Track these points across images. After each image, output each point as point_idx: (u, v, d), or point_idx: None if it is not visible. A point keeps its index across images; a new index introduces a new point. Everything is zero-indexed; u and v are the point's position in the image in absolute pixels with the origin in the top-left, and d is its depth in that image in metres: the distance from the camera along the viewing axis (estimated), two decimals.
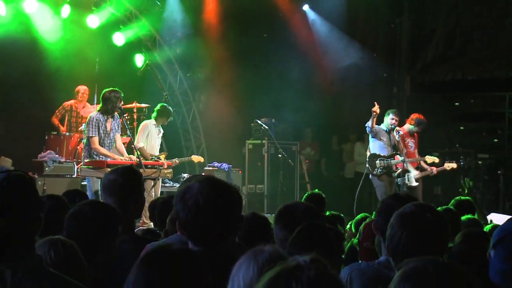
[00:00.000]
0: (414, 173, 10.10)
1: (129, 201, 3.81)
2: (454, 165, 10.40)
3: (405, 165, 9.91)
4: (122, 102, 8.68)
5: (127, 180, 3.87)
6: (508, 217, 5.96)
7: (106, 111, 8.59)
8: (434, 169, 10.25)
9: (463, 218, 5.12)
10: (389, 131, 10.15)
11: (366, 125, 10.07)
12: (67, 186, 9.21)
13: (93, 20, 12.19)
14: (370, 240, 4.27)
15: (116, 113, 8.73)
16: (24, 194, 2.41)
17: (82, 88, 11.23)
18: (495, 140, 13.58)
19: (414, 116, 10.37)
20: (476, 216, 5.67)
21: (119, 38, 12.70)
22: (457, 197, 6.21)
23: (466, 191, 6.89)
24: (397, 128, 10.10)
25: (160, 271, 1.97)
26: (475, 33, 13.66)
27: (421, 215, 2.80)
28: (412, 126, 10.31)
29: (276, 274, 1.43)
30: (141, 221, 8.67)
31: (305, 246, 3.04)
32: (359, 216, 6.02)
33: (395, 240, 2.77)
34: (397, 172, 10.02)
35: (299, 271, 1.42)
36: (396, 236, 2.77)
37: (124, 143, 9.59)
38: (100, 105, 8.69)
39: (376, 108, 9.81)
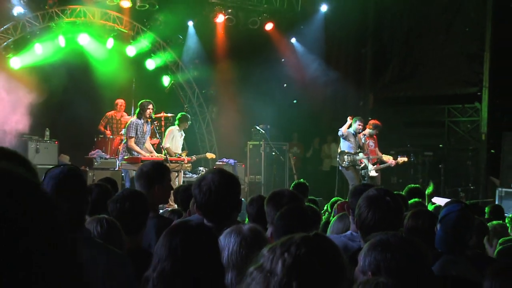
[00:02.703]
0: (371, 167, 10.14)
1: (154, 186, 3.77)
2: (405, 159, 10.53)
3: (365, 161, 10.02)
4: (151, 107, 8.81)
5: (153, 170, 3.84)
6: (448, 200, 5.96)
7: (142, 115, 8.75)
8: (393, 162, 10.31)
9: (412, 200, 5.12)
10: (355, 134, 10.19)
11: (339, 129, 10.16)
12: (111, 177, 9.20)
13: (131, 50, 12.19)
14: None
15: (148, 120, 8.84)
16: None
17: (120, 101, 11.20)
18: (437, 141, 13.59)
19: (371, 122, 10.49)
20: (424, 200, 5.67)
21: (150, 64, 12.70)
22: (409, 185, 6.24)
23: (431, 188, 6.90)
24: (363, 132, 10.21)
25: (181, 240, 1.95)
26: (422, 61, 13.68)
27: (382, 198, 2.78)
28: (371, 130, 10.39)
29: (275, 243, 1.39)
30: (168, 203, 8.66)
31: (289, 223, 3.01)
32: (333, 199, 6.03)
33: (362, 217, 2.76)
34: (361, 166, 10.12)
35: (289, 242, 1.38)
36: (363, 214, 2.75)
37: (154, 144, 9.64)
38: (137, 111, 8.88)
39: (350, 119, 10.17)
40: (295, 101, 13.49)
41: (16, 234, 0.73)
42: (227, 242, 2.13)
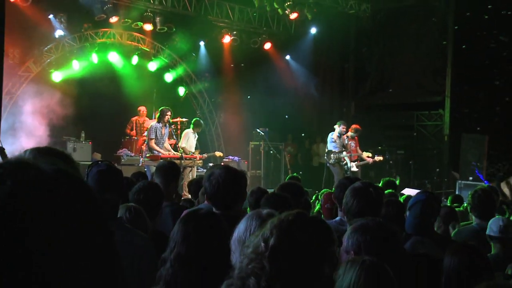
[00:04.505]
0: (350, 163, 10.16)
1: (171, 180, 3.80)
2: (381, 158, 10.55)
3: (346, 159, 10.05)
4: (169, 113, 8.85)
5: (170, 167, 3.88)
6: (417, 191, 5.97)
7: (161, 120, 8.78)
8: (371, 160, 10.33)
9: (386, 191, 5.11)
10: (340, 136, 10.21)
11: (332, 136, 10.19)
12: (135, 171, 9.21)
13: (152, 65, 12.20)
14: (329, 203, 4.28)
15: (167, 124, 8.87)
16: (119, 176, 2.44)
17: (142, 108, 11.21)
18: (407, 142, 13.58)
19: (353, 126, 10.54)
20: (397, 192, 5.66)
21: (168, 77, 12.70)
22: (385, 178, 6.25)
23: (398, 181, 6.94)
24: (346, 134, 10.26)
25: (194, 227, 1.95)
26: (395, 75, 13.67)
27: (366, 189, 2.78)
28: (352, 133, 10.42)
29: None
30: (183, 193, 8.67)
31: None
32: (323, 191, 6.01)
33: (348, 205, 2.75)
34: (344, 163, 10.14)
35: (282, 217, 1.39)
36: (349, 203, 2.75)
37: (171, 144, 9.65)
38: (158, 116, 8.91)
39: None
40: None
41: (16, 234, 0.62)
42: (249, 224, 2.10)
